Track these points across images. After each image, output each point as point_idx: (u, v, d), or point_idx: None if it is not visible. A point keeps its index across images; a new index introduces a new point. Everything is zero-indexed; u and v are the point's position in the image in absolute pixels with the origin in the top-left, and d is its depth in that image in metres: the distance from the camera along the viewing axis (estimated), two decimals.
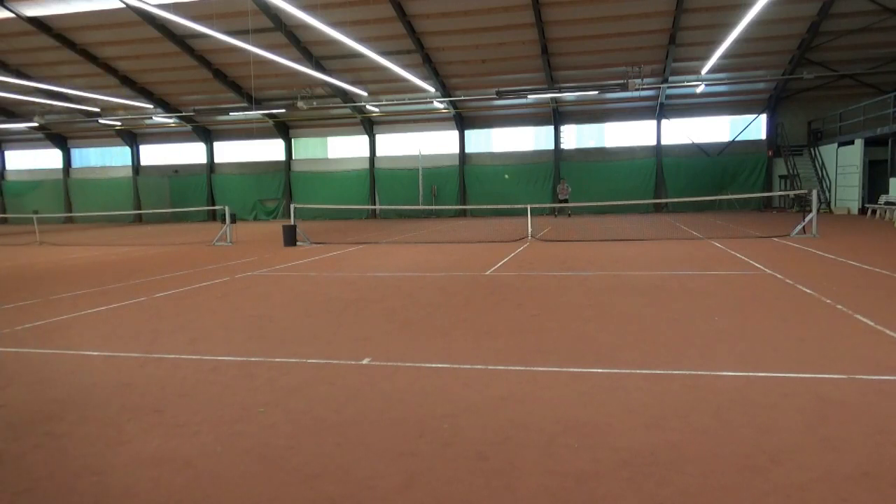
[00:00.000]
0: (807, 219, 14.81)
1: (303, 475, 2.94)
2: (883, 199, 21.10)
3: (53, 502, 2.76)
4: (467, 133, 31.81)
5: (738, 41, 20.66)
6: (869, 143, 22.87)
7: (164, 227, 28.23)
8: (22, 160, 38.34)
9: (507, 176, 30.90)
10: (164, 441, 3.38)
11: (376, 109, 30.21)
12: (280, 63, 21.38)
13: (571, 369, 4.46)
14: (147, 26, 23.72)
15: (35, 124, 28.73)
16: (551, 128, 30.73)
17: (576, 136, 31.29)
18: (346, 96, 28.92)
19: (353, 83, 25.95)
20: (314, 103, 26.89)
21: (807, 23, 22.82)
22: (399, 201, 31.51)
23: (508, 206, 17.64)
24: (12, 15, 23.07)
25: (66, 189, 36.64)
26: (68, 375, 4.67)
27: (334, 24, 17.80)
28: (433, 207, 30.78)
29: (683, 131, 29.72)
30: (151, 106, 30.28)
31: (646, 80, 23.82)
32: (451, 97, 28.28)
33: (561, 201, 27.08)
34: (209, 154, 34.79)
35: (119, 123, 32.20)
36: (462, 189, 31.65)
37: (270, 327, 6.16)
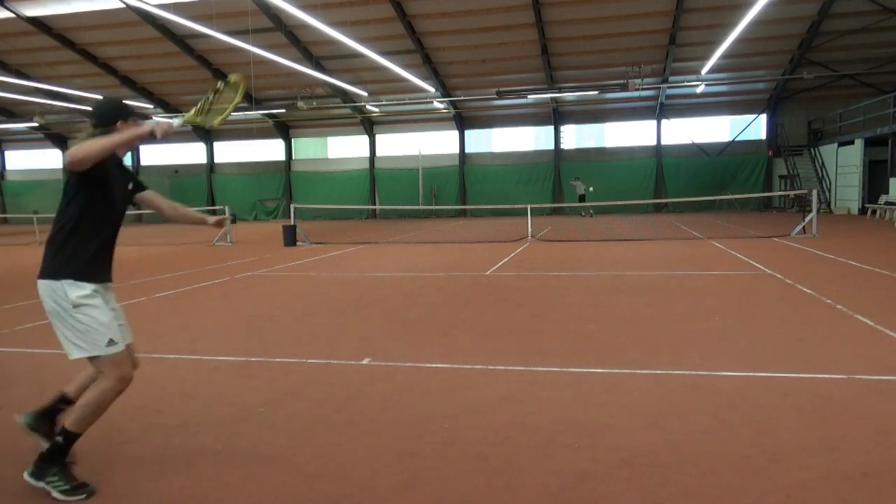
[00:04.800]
0: (807, 219, 14.81)
1: (303, 475, 2.94)
2: (883, 199, 21.10)
3: (53, 502, 2.76)
4: (467, 133, 31.80)
5: (738, 41, 20.61)
6: (869, 143, 22.85)
7: (164, 227, 28.23)
8: (22, 160, 38.32)
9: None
10: (164, 441, 3.38)
11: (376, 109, 30.21)
12: (280, 63, 21.37)
13: (571, 369, 4.46)
14: (147, 26, 23.70)
15: (35, 124, 28.70)
16: (551, 128, 30.72)
17: (576, 136, 31.28)
18: (346, 96, 28.91)
19: (353, 83, 25.94)
20: (314, 103, 26.87)
21: (807, 23, 22.81)
22: (399, 201, 31.50)
23: (508, 206, 17.63)
24: (12, 15, 23.04)
25: None
26: (68, 375, 4.67)
27: (334, 24, 17.78)
28: (433, 207, 30.75)
29: (683, 131, 29.72)
30: (151, 106, 30.27)
31: (646, 80, 23.80)
32: (451, 97, 28.26)
33: (580, 198, 25.96)
34: (209, 154, 34.79)
35: None
36: (462, 189, 31.64)
37: (270, 327, 6.16)
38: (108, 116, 2.90)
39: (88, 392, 2.82)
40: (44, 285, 2.82)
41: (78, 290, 2.79)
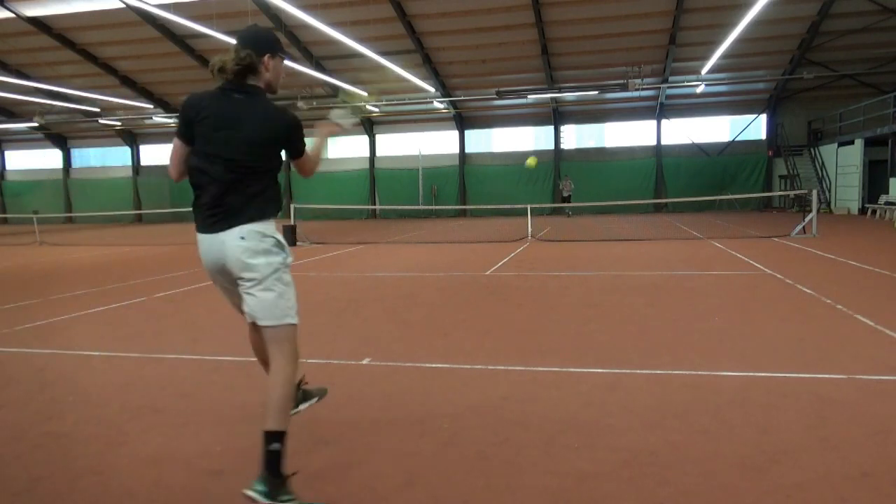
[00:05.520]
0: (807, 219, 14.81)
1: (303, 475, 2.94)
2: (883, 199, 21.09)
3: (53, 502, 2.76)
4: (467, 133, 31.80)
5: (738, 41, 20.61)
6: (869, 143, 22.85)
7: (164, 227, 28.23)
8: (22, 160, 38.31)
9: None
10: (164, 441, 3.38)
11: (376, 109, 30.21)
12: None
13: (571, 369, 4.46)
14: (147, 26, 23.70)
15: (35, 124, 28.69)
16: (551, 128, 30.71)
17: (576, 136, 31.27)
18: None
19: (353, 83, 25.94)
20: (314, 103, 26.86)
21: (807, 23, 22.80)
22: (399, 201, 31.50)
23: (508, 206, 17.61)
24: (12, 15, 23.05)
25: (66, 189, 36.61)
26: (68, 375, 4.67)
27: (334, 24, 17.77)
28: (433, 207, 30.75)
29: (683, 131, 29.71)
30: (151, 106, 30.26)
31: (646, 80, 23.79)
32: (451, 97, 28.25)
33: (564, 199, 26.99)
34: None
35: (119, 123, 32.18)
36: (462, 189, 31.64)
37: None
38: (264, 45, 2.72)
39: (276, 384, 2.58)
40: (254, 231, 2.60)
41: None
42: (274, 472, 2.51)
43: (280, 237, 2.68)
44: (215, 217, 2.64)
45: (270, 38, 2.78)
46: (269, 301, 2.62)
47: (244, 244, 2.61)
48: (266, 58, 2.71)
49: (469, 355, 4.92)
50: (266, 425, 2.55)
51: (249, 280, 2.63)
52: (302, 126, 2.78)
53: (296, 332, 2.66)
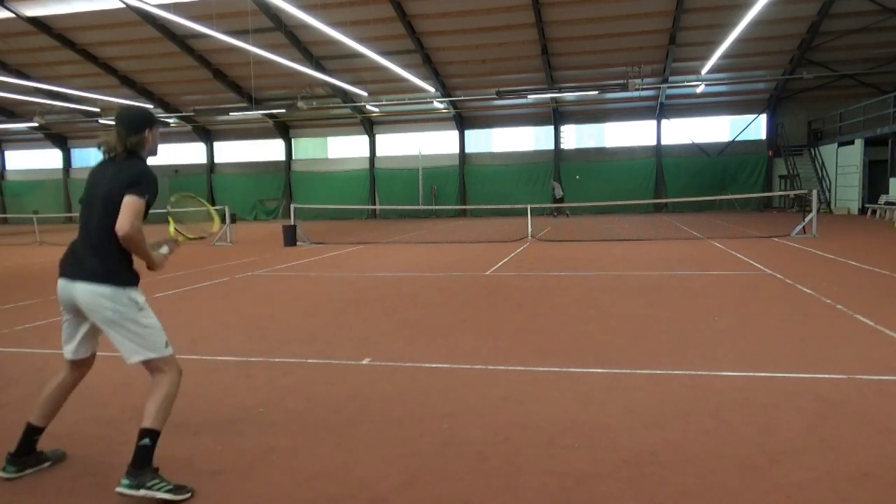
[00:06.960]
0: (807, 219, 14.81)
1: (303, 475, 2.94)
2: (883, 199, 21.10)
3: (53, 502, 2.76)
4: (467, 133, 31.79)
5: (738, 41, 20.59)
6: (869, 143, 22.85)
7: (163, 227, 28.19)
8: (22, 160, 38.30)
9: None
10: (164, 441, 3.37)
11: (376, 109, 30.20)
12: (280, 63, 21.36)
13: (571, 369, 4.46)
14: (147, 26, 23.70)
15: (35, 124, 28.68)
16: (551, 128, 30.71)
17: (576, 136, 31.27)
18: (346, 96, 28.90)
19: (353, 83, 25.93)
20: (314, 103, 26.84)
21: (807, 23, 22.80)
22: (399, 201, 31.50)
23: (508, 206, 17.60)
24: (12, 15, 23.04)
25: (66, 189, 36.59)
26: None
27: (334, 24, 17.77)
28: (433, 207, 30.75)
29: (683, 131, 29.71)
30: (151, 106, 30.25)
31: (646, 80, 23.78)
32: (451, 97, 28.25)
33: (556, 200, 27.12)
34: (209, 154, 34.77)
35: None
36: (462, 189, 31.64)
37: (270, 327, 6.16)
38: (138, 124, 3.14)
39: (157, 390, 2.83)
40: (104, 291, 2.82)
41: (141, 296, 2.92)
42: (143, 465, 2.73)
43: None
44: None
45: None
46: None
47: None
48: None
49: (469, 355, 4.92)
50: (145, 423, 2.77)
51: None
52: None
53: (162, 361, 2.93)
